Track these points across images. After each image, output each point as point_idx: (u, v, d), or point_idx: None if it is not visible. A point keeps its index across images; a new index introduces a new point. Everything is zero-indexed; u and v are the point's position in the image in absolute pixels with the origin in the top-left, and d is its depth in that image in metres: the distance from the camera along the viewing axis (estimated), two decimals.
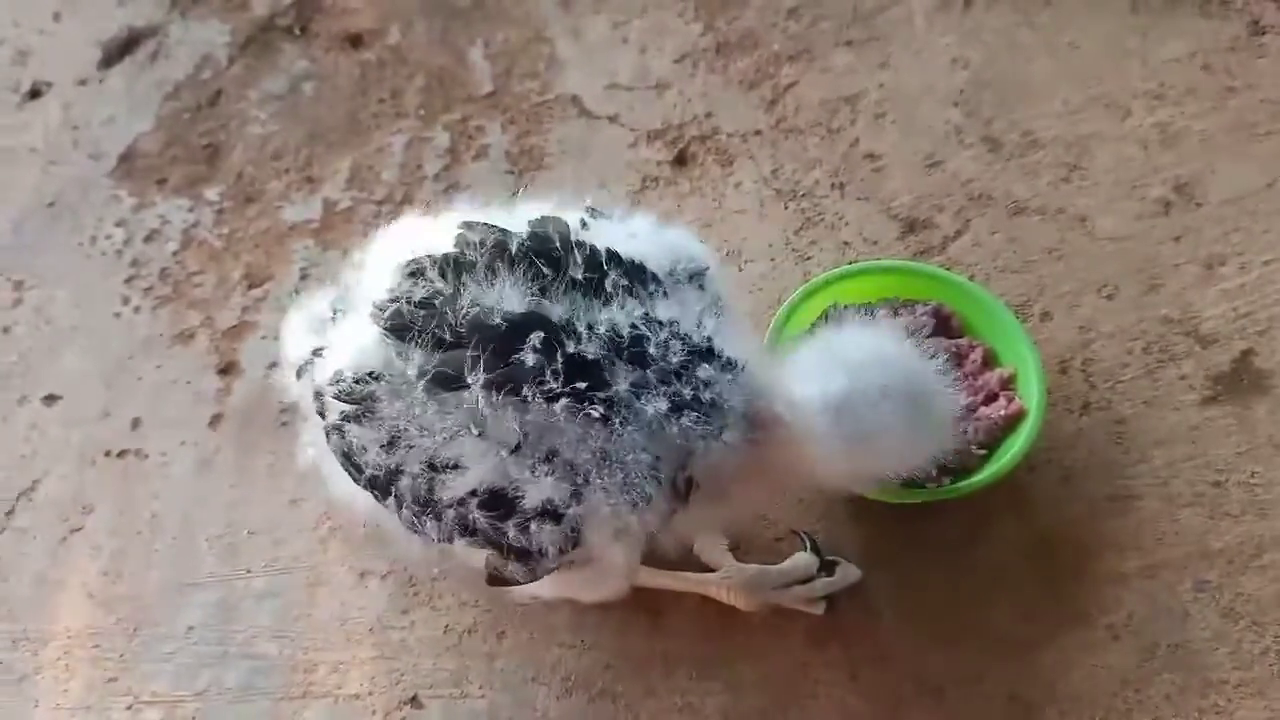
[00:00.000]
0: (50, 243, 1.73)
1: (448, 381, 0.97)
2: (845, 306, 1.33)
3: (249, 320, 1.60)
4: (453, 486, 0.98)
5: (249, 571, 1.39)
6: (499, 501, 0.98)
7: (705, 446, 0.97)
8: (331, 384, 1.03)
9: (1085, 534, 1.28)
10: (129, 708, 1.31)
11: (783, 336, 1.31)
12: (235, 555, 1.40)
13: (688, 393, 0.97)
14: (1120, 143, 1.57)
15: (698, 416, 0.96)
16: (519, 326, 0.96)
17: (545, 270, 0.99)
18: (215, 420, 1.51)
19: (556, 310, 0.98)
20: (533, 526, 0.98)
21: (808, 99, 1.67)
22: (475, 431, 0.96)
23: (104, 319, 1.64)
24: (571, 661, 1.27)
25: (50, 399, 1.57)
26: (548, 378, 0.95)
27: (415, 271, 1.03)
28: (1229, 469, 1.29)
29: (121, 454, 1.50)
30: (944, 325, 1.35)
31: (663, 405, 0.96)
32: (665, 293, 1.01)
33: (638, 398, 0.96)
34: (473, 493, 0.98)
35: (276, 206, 1.71)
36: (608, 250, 1.01)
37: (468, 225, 1.05)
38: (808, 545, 1.27)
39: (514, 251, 1.00)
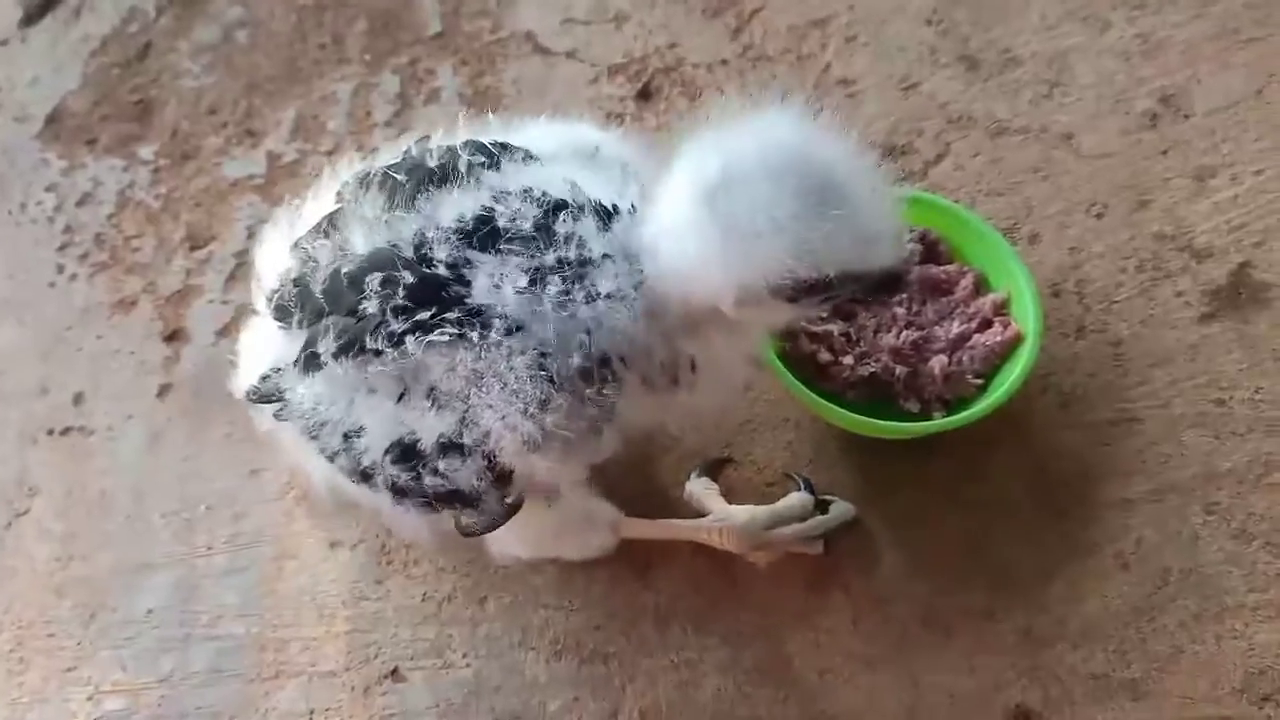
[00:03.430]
0: None
1: (312, 359, 0.95)
2: None
3: (194, 284, 1.50)
4: (369, 452, 0.96)
5: (209, 549, 1.30)
6: (406, 453, 0.94)
7: (592, 313, 0.90)
8: (245, 392, 1.04)
9: (1088, 461, 1.22)
10: (89, 698, 1.23)
11: None
12: (193, 532, 1.32)
13: (550, 258, 0.91)
14: (1101, 56, 1.50)
15: (564, 278, 0.90)
16: (359, 275, 0.93)
17: (403, 181, 0.95)
18: (164, 391, 1.43)
19: (409, 227, 0.93)
20: (442, 466, 0.94)
21: (775, 25, 1.59)
22: (365, 392, 0.94)
23: (38, 290, 1.54)
24: (560, 623, 1.20)
25: None
26: (389, 319, 0.91)
27: (297, 245, 1.00)
28: (1232, 386, 1.24)
29: (65, 431, 1.41)
30: (931, 251, 1.28)
31: (522, 281, 0.90)
32: (530, 159, 0.96)
33: (498, 288, 0.90)
34: (385, 452, 0.95)
35: (216, 163, 1.61)
36: (466, 139, 0.97)
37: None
38: (801, 486, 1.21)
39: (375, 177, 0.97)
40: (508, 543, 1.16)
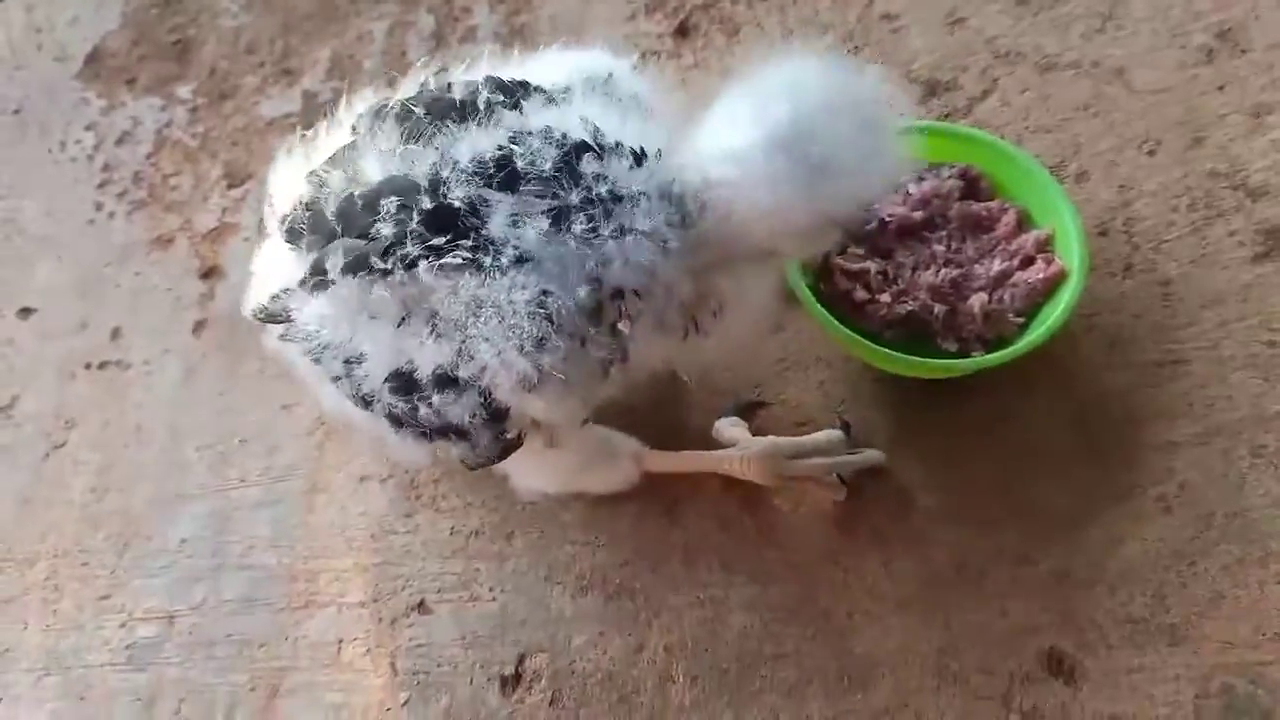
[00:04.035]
0: (17, 151, 1.64)
1: (320, 278, 0.94)
2: None
3: (230, 222, 1.51)
4: (369, 379, 0.95)
5: (242, 481, 1.31)
6: (403, 382, 0.93)
7: (618, 249, 0.88)
8: (252, 311, 1.03)
9: (1132, 403, 1.19)
10: (122, 625, 1.25)
11: None
12: (227, 465, 1.32)
13: (574, 197, 0.89)
14: None
15: (589, 216, 0.88)
16: (374, 198, 0.92)
17: (421, 115, 0.94)
18: (199, 327, 1.43)
19: (425, 160, 0.92)
20: (436, 400, 0.93)
21: None
22: (367, 317, 0.92)
23: (77, 227, 1.55)
24: (586, 559, 1.19)
25: (25, 312, 1.49)
26: (407, 242, 0.90)
27: (313, 173, 0.99)
28: None
29: (103, 365, 1.42)
30: (972, 188, 1.25)
31: (543, 224, 0.88)
32: (551, 100, 0.94)
33: (516, 225, 0.88)
34: (385, 381, 0.94)
35: (253, 102, 1.61)
36: (487, 76, 0.96)
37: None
38: (840, 426, 1.18)
39: (392, 109, 0.96)
40: (531, 477, 1.15)
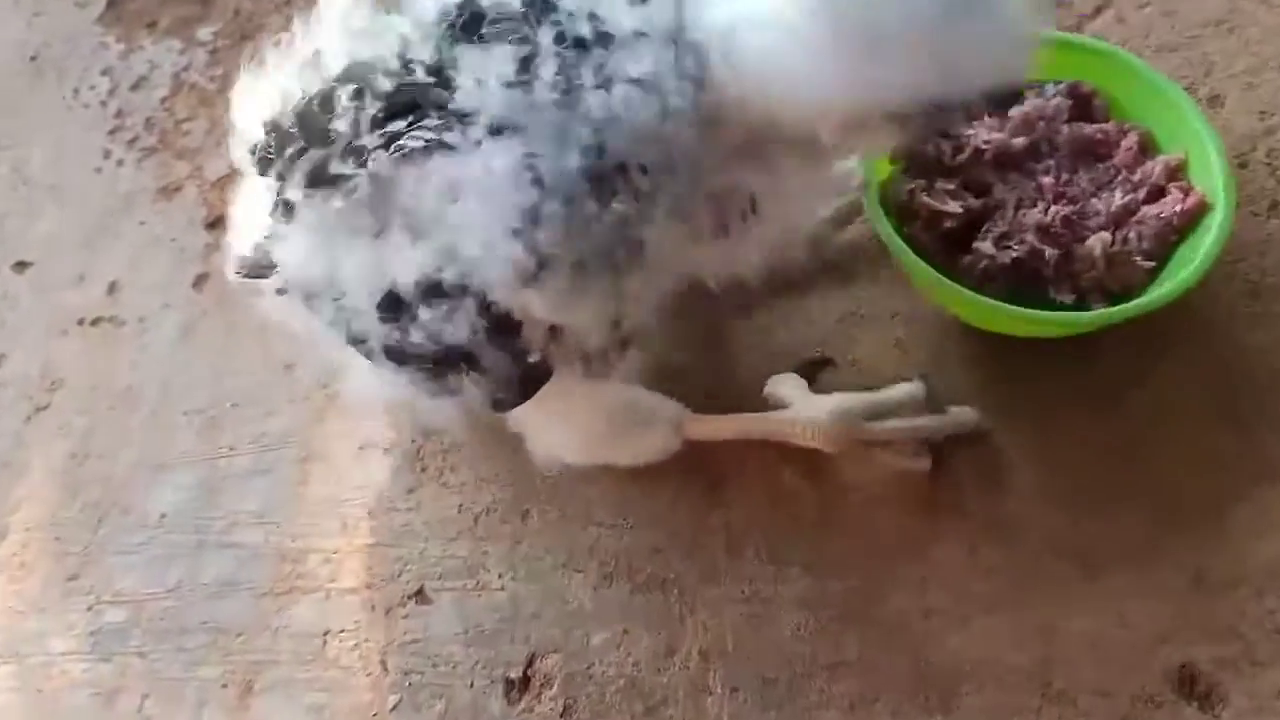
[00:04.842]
0: (31, 99, 1.52)
1: (285, 205, 0.80)
2: None
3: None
4: (359, 313, 0.80)
5: (232, 449, 1.16)
6: (390, 305, 0.78)
7: (602, 103, 0.72)
8: (235, 268, 0.90)
9: None
10: (89, 608, 1.10)
11: None
12: (217, 430, 1.17)
13: (544, 36, 0.73)
14: None
15: (561, 59, 0.72)
16: (329, 92, 0.78)
17: None
18: (200, 280, 1.29)
19: (393, 32, 0.78)
20: (424, 315, 0.77)
21: None
22: (345, 235, 0.78)
23: (84, 175, 1.43)
24: (612, 543, 1.01)
25: (20, 265, 1.36)
26: (360, 134, 0.75)
27: (283, 91, 0.84)
28: None
29: (95, 322, 1.29)
30: (1084, 107, 1.04)
31: (508, 70, 0.73)
32: None
33: (481, 83, 0.73)
34: (376, 310, 0.79)
35: (276, 42, 1.46)
36: None
37: None
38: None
39: None
40: (552, 443, 0.98)
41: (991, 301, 0.93)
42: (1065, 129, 1.02)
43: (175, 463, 1.17)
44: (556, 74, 0.72)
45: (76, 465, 1.19)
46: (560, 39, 0.73)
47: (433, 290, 0.76)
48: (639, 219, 0.74)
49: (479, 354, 0.79)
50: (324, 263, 0.81)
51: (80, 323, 1.30)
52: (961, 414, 0.96)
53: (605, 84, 0.72)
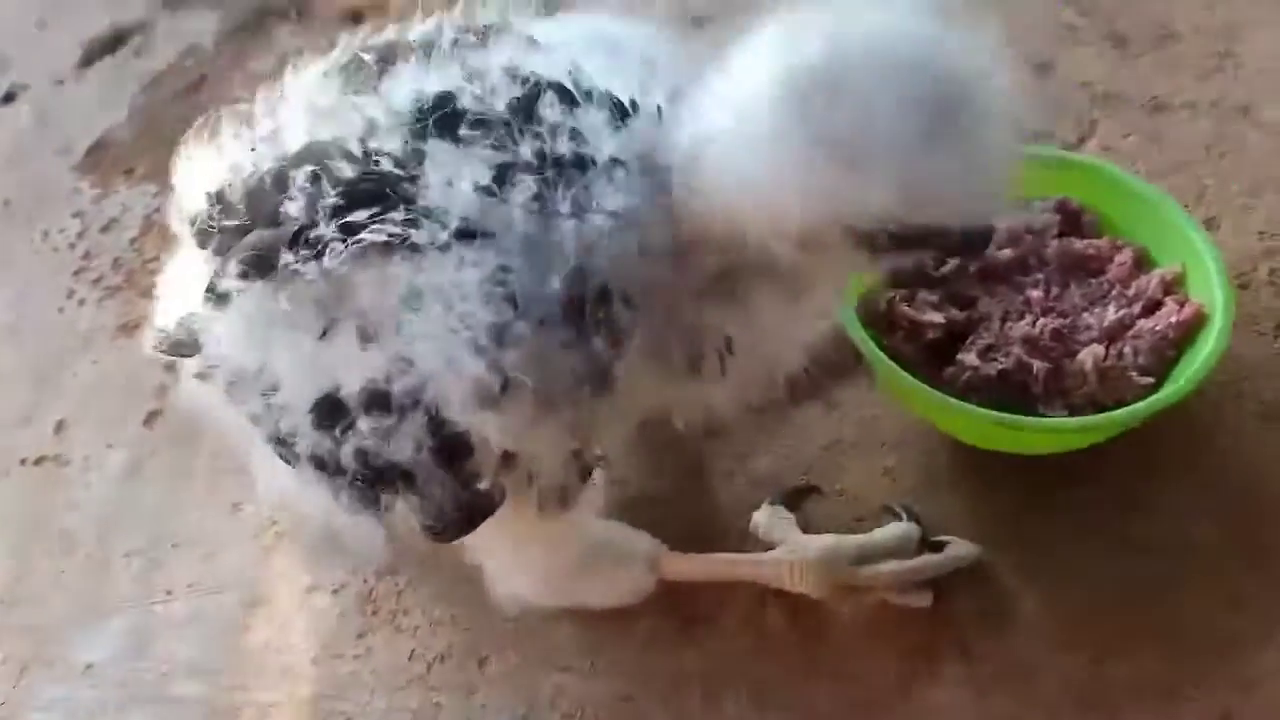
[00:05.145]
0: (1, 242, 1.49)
1: (221, 288, 0.73)
2: None
3: None
4: (289, 411, 0.73)
5: (168, 593, 1.07)
6: (327, 410, 0.71)
7: (587, 231, 0.66)
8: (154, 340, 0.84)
9: None
10: None
11: None
12: (156, 572, 1.09)
13: (525, 150, 0.68)
14: None
15: (540, 179, 0.67)
16: (284, 171, 0.72)
17: (370, 61, 0.75)
18: (151, 418, 1.22)
19: (360, 115, 0.72)
20: (365, 425, 0.70)
21: None
22: (284, 329, 0.71)
23: (45, 315, 1.38)
24: (577, 690, 0.91)
25: None
26: (320, 223, 0.69)
27: (234, 164, 0.78)
28: None
29: (39, 461, 1.22)
30: (1074, 224, 1.00)
31: (484, 177, 0.67)
32: (534, 45, 0.74)
33: (451, 185, 0.67)
34: (309, 413, 0.72)
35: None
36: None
37: None
38: (903, 517, 0.90)
39: (343, 60, 0.77)
40: (513, 581, 0.89)
41: (968, 407, 0.86)
42: (1054, 243, 0.98)
43: (108, 609, 1.07)
44: (534, 193, 0.67)
45: (4, 612, 1.10)
46: (540, 156, 0.68)
47: (379, 400, 0.69)
48: (613, 354, 0.68)
49: (419, 475, 0.72)
50: (257, 354, 0.74)
51: (23, 462, 1.22)
52: (960, 549, 0.89)
53: (580, 213, 0.67)
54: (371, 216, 0.68)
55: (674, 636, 0.91)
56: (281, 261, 0.70)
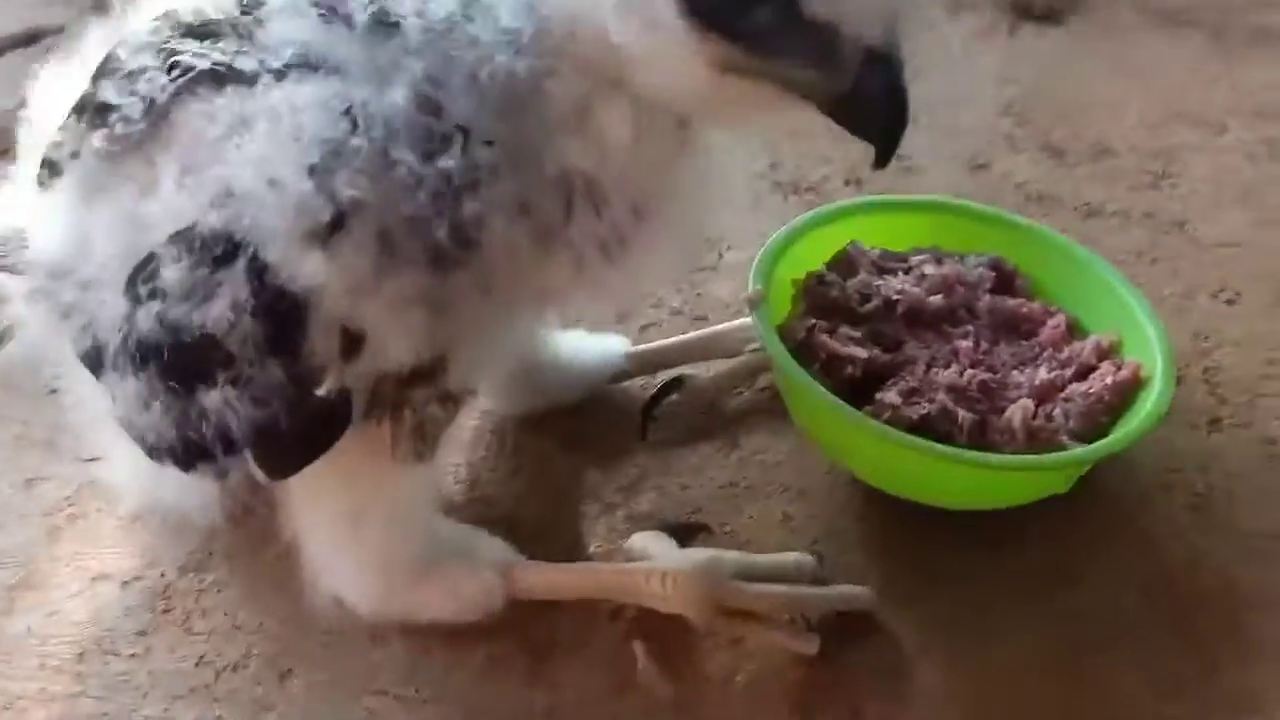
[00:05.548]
0: None
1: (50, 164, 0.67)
2: (870, 248, 0.93)
3: None
4: (102, 293, 0.63)
5: None
6: (137, 272, 0.61)
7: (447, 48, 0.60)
8: None
9: (1241, 584, 0.81)
10: None
11: (773, 279, 0.89)
12: None
13: None
14: (1220, 154, 1.22)
15: None
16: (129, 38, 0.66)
17: None
18: None
19: None
20: (171, 278, 0.59)
21: None
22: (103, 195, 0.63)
23: None
24: (394, 718, 0.75)
25: None
26: (140, 61, 0.63)
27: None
28: None
29: None
30: (1006, 284, 0.93)
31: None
32: None
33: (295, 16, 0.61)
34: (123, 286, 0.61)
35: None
36: None
37: None
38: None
39: None
40: (342, 575, 0.75)
41: (907, 436, 0.77)
42: (986, 298, 0.91)
43: None
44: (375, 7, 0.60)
45: None
46: None
47: (189, 243, 0.58)
48: (469, 190, 0.58)
49: (240, 357, 0.59)
50: (78, 229, 0.63)
51: None
52: (853, 591, 0.77)
53: (421, 11, 0.60)
54: (200, 47, 0.61)
55: (519, 668, 0.77)
56: (102, 98, 0.63)
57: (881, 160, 0.61)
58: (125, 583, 0.86)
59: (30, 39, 1.65)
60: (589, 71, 0.61)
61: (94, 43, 0.72)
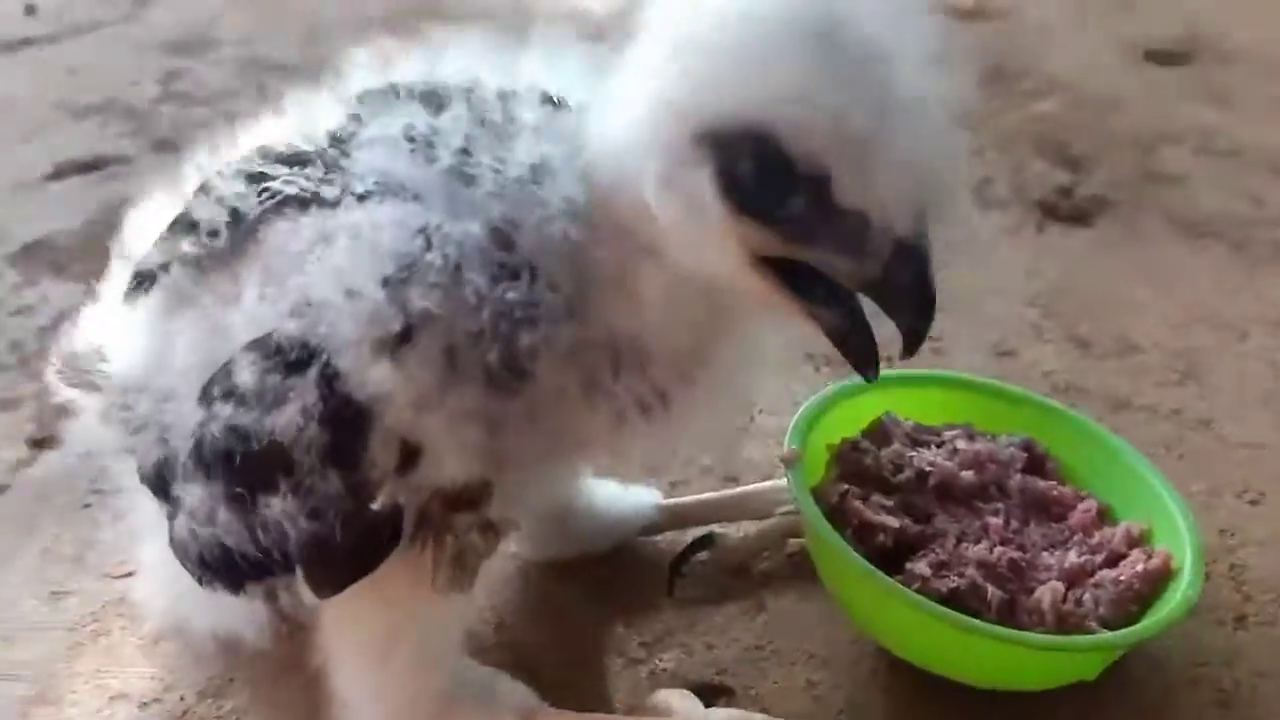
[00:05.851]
0: None
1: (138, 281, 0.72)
2: (904, 420, 0.95)
3: None
4: (179, 419, 0.66)
5: None
6: (215, 382, 0.64)
7: (513, 193, 0.64)
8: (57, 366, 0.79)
9: None
10: None
11: (807, 442, 0.91)
12: None
13: (454, 112, 0.67)
14: (1242, 359, 1.26)
15: (466, 136, 0.66)
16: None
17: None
18: None
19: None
20: (244, 380, 0.62)
21: None
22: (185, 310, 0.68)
23: None
24: None
25: None
26: (230, 182, 0.68)
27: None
28: None
29: None
30: (1037, 466, 0.95)
31: (407, 129, 0.67)
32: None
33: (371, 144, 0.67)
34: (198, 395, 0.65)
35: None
36: None
37: None
38: None
39: None
40: (367, 705, 0.75)
41: (916, 598, 0.77)
42: (1018, 477, 0.92)
43: None
44: (458, 146, 0.65)
45: None
46: (468, 117, 0.67)
47: (265, 350, 0.61)
48: (528, 324, 0.62)
49: (301, 464, 0.61)
50: (160, 341, 0.66)
51: None
52: None
53: (500, 168, 0.64)
54: (290, 173, 0.66)
55: None
56: (193, 216, 0.69)
57: (910, 347, 0.63)
58: (144, 704, 0.86)
59: (91, 166, 1.74)
60: (628, 238, 0.63)
61: (190, 170, 0.77)
